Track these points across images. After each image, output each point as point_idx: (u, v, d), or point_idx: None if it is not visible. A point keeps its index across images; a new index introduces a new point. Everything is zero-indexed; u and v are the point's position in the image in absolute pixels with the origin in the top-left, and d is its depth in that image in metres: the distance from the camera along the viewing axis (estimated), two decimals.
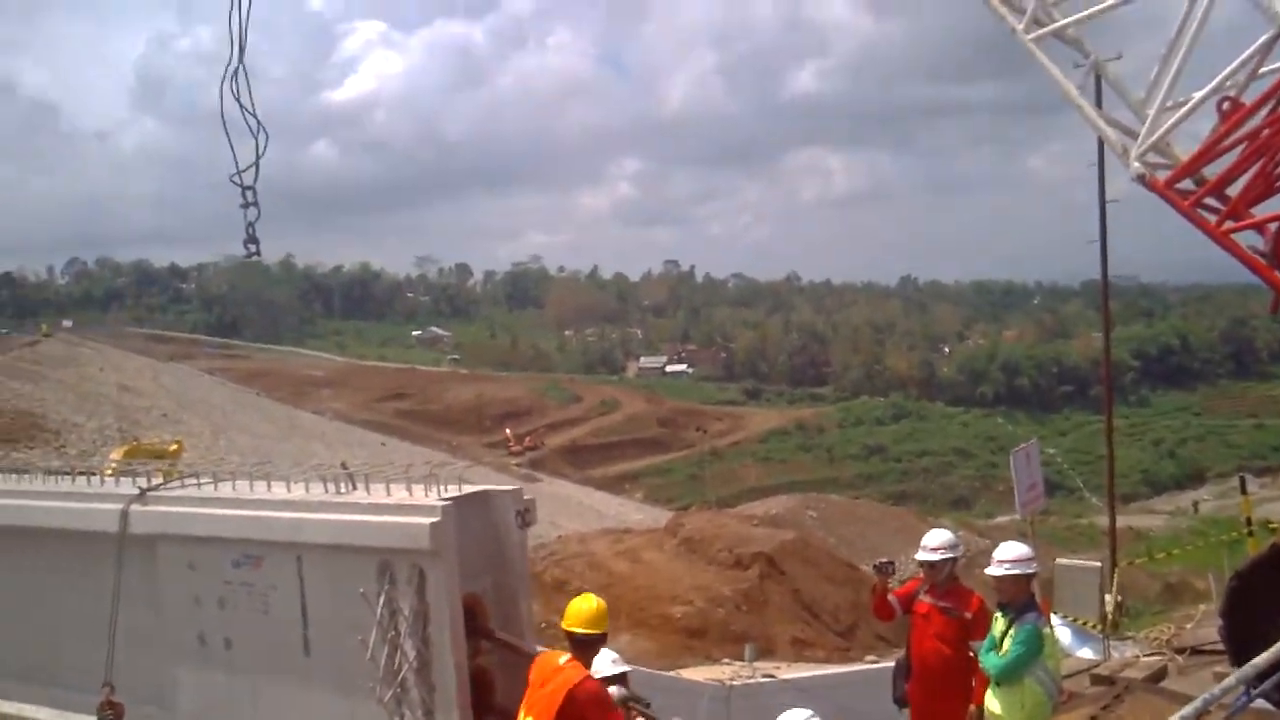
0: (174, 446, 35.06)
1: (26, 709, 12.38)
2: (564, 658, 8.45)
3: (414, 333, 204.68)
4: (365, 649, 9.17)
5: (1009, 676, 9.49)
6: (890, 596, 10.89)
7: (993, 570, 9.80)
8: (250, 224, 12.16)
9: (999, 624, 9.74)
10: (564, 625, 8.57)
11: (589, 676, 8.32)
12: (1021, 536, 16.51)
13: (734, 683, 24.70)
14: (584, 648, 8.46)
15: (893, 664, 11.75)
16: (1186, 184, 9.41)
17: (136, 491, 11.41)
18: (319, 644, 9.89)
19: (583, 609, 8.54)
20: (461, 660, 9.11)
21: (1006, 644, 9.58)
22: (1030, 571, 9.79)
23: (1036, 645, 9.52)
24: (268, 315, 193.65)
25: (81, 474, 13.13)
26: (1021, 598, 9.71)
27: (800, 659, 31.46)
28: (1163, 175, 9.36)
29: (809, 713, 7.63)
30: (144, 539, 11.07)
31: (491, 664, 9.39)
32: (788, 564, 38.55)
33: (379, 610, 9.16)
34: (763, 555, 38.30)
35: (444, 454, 75.50)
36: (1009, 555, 9.81)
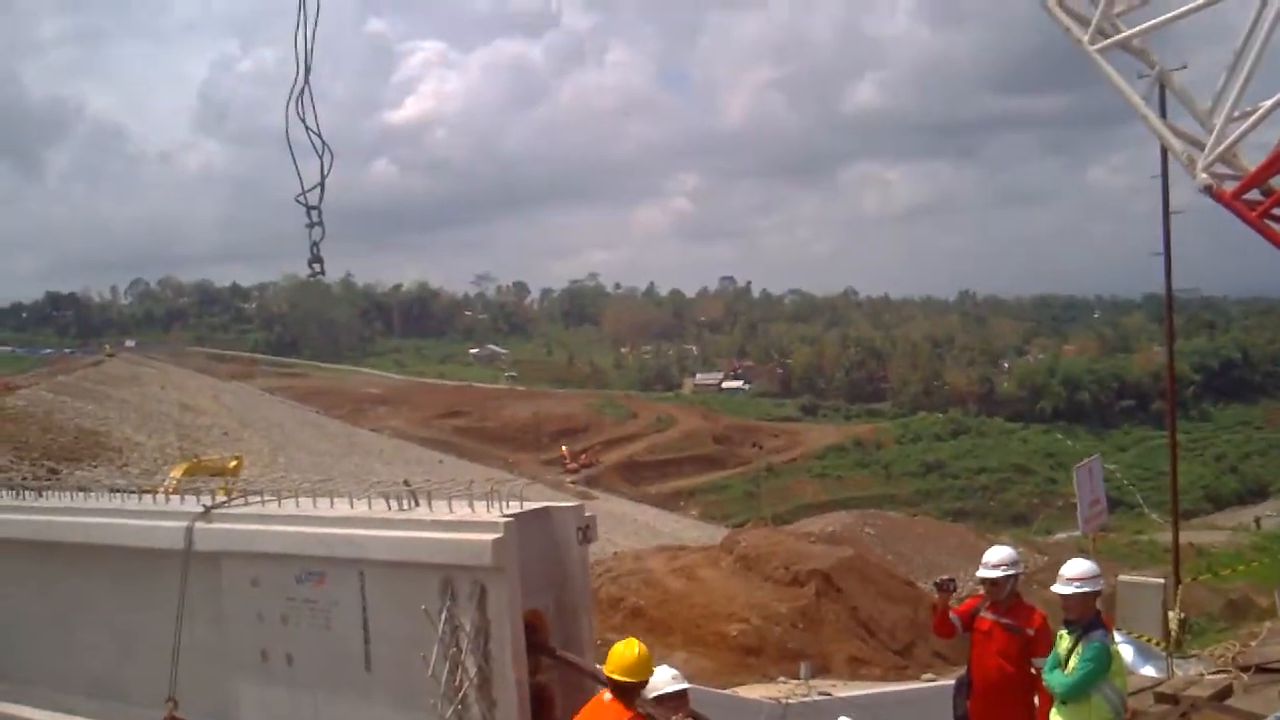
0: (234, 463, 35.20)
1: None
2: (607, 695, 8.48)
3: (471, 350, 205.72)
4: (427, 665, 9.21)
5: (1076, 694, 9.40)
6: (951, 614, 10.82)
7: (1060, 588, 9.71)
8: (315, 244, 12.27)
9: (1064, 641, 9.66)
10: (606, 670, 8.59)
11: (635, 716, 8.34)
12: (1083, 553, 16.34)
13: (790, 701, 24.62)
14: (624, 693, 8.48)
15: (952, 682, 11.67)
16: (1254, 194, 9.31)
17: (201, 509, 11.54)
18: (380, 660, 9.94)
19: (626, 655, 8.54)
20: (522, 677, 9.14)
21: (1073, 661, 9.49)
22: (1097, 589, 9.71)
23: (1105, 662, 9.44)
24: (328, 334, 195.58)
25: (145, 492, 13.31)
26: (1088, 615, 9.62)
27: (857, 677, 31.33)
28: (1229, 186, 9.27)
29: None
30: (208, 556, 11.18)
31: (552, 681, 9.41)
32: (845, 581, 38.38)
33: (440, 626, 9.19)
34: (819, 573, 38.17)
35: (501, 471, 75.74)
36: (1076, 573, 9.73)
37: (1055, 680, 9.53)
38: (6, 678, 13.58)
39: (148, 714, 11.59)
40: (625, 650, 8.57)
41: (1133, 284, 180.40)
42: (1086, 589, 9.62)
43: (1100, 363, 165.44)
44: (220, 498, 11.78)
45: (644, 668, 8.50)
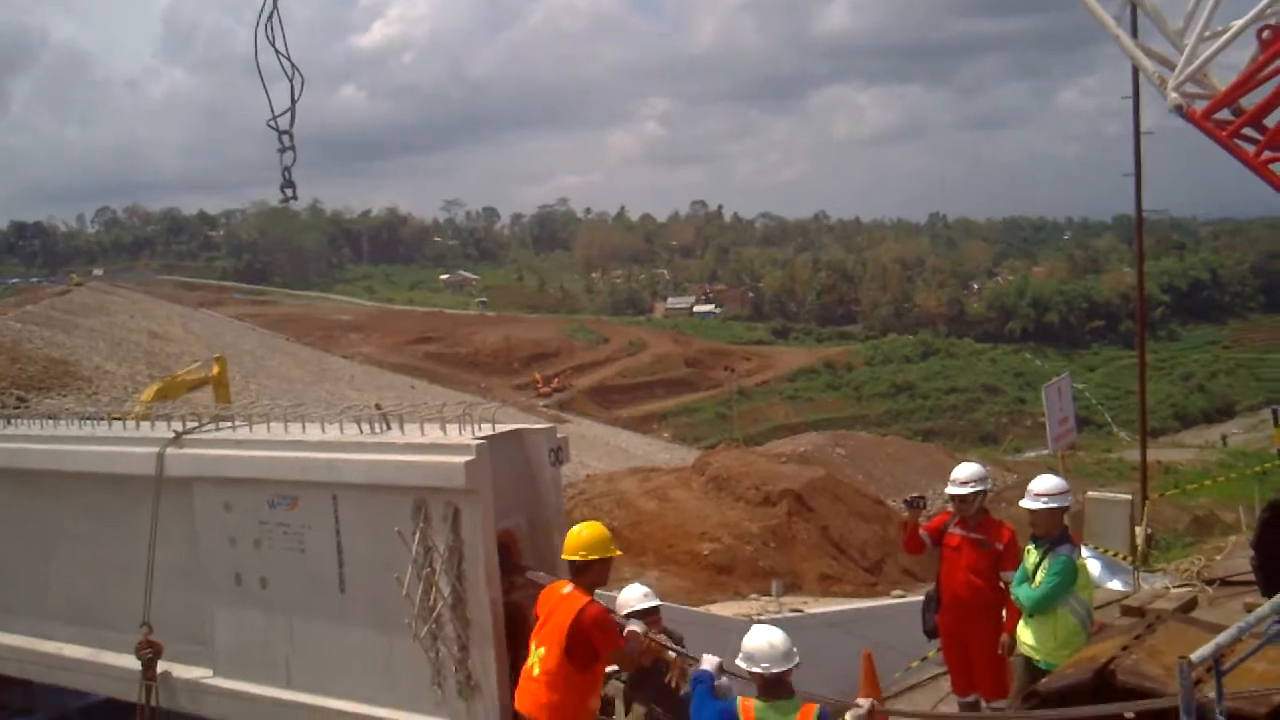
0: (216, 369, 33.88)
1: (67, 648, 12.59)
2: (567, 587, 8.62)
3: (442, 276, 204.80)
4: (401, 586, 9.29)
5: (1044, 607, 9.56)
6: (921, 531, 10.96)
7: (1028, 503, 9.85)
8: (286, 168, 12.19)
9: (1031, 556, 9.80)
10: (564, 554, 8.75)
11: (592, 601, 8.48)
12: (1051, 471, 16.51)
13: (761, 618, 24.85)
14: (584, 574, 8.62)
15: (921, 598, 11.84)
16: (1224, 114, 9.30)
17: (171, 435, 11.52)
18: (355, 582, 10.01)
19: (577, 534, 8.74)
20: (496, 596, 9.22)
21: (1040, 575, 9.64)
22: (1064, 505, 9.86)
23: (1071, 576, 9.60)
24: (296, 261, 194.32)
25: (116, 419, 13.29)
26: (1055, 530, 9.78)
27: (828, 594, 31.66)
28: (1200, 106, 9.26)
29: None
30: (180, 481, 11.19)
31: (526, 599, 9.47)
32: (815, 501, 38.66)
33: (414, 548, 9.25)
34: (790, 492, 38.41)
35: (474, 396, 75.74)
36: (1044, 488, 9.86)
37: (1023, 594, 9.68)
38: None
39: (124, 638, 11.67)
40: (578, 529, 8.78)
41: (1103, 206, 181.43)
42: (1054, 504, 9.77)
43: (1070, 284, 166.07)
44: (192, 423, 11.75)
45: (596, 544, 8.65)
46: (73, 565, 12.63)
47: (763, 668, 7.35)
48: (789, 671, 7.43)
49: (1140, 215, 23.88)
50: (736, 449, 55.12)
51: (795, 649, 7.50)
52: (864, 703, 8.07)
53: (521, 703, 8.58)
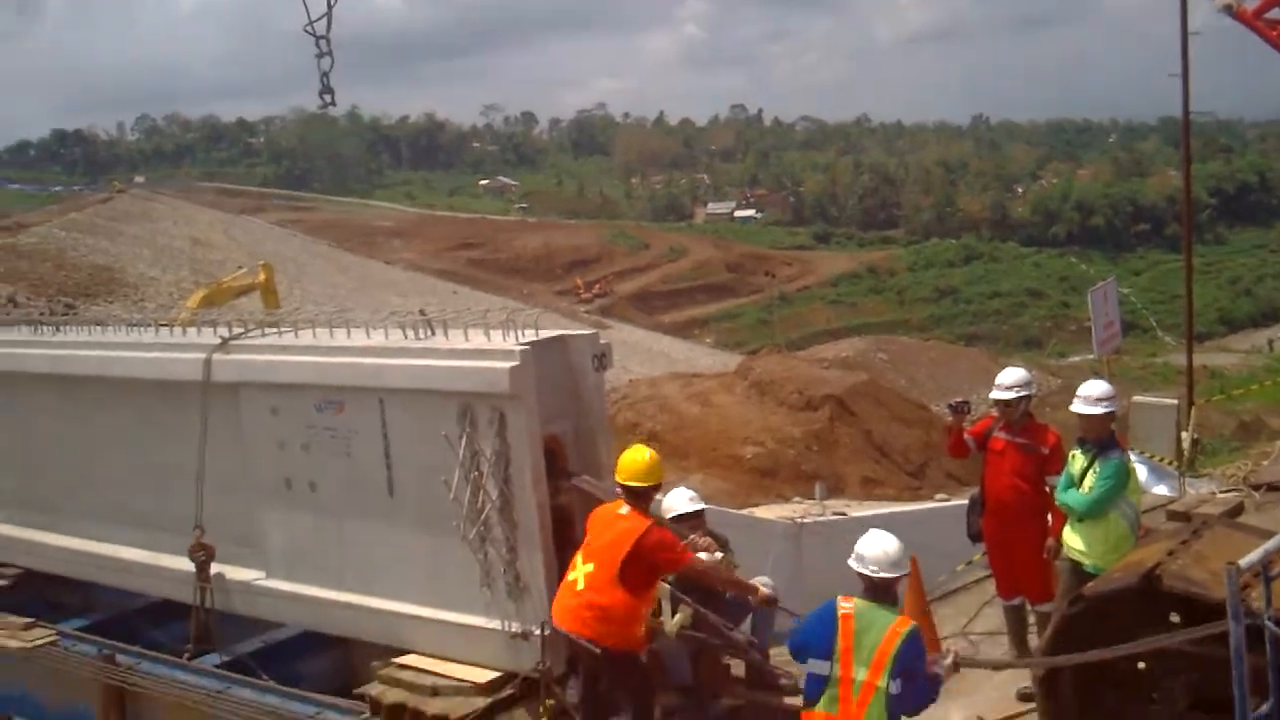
0: (262, 275, 33.73)
1: (123, 551, 12.82)
2: (623, 508, 8.60)
3: (481, 182, 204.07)
4: (449, 490, 9.37)
5: (1096, 511, 9.52)
6: (965, 435, 10.94)
7: (1080, 407, 9.79)
8: (324, 74, 12.12)
9: (1078, 461, 9.76)
10: (618, 478, 8.74)
11: (654, 524, 8.48)
12: (1097, 375, 16.40)
13: (805, 520, 24.97)
14: (638, 499, 8.62)
15: (964, 502, 11.83)
16: (1275, 13, 9.10)
17: (218, 341, 11.61)
18: (403, 485, 10.10)
19: (636, 461, 8.71)
20: (544, 500, 9.29)
21: (1089, 480, 9.61)
22: (1113, 409, 9.79)
23: (1124, 479, 9.58)
24: (336, 168, 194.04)
25: (163, 325, 13.39)
26: (1104, 435, 9.72)
27: (870, 498, 31.74)
28: (1251, 5, 9.05)
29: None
30: (227, 387, 11.30)
31: (572, 502, 9.55)
32: (858, 405, 38.65)
33: (461, 452, 9.32)
34: (833, 397, 38.42)
35: (516, 301, 75.91)
36: (1094, 393, 9.79)
37: (1073, 499, 9.63)
38: (38, 508, 13.87)
39: (176, 541, 11.86)
40: (636, 455, 8.75)
41: (1149, 108, 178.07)
42: (1104, 409, 9.70)
43: (1115, 187, 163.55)
44: (238, 329, 11.83)
45: (654, 472, 8.66)
46: (124, 470, 12.81)
47: (871, 570, 7.44)
48: (896, 580, 7.51)
49: (1187, 117, 23.40)
50: (778, 354, 55.15)
51: (906, 560, 7.60)
52: (949, 651, 8.17)
53: (562, 618, 8.59)
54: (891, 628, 7.27)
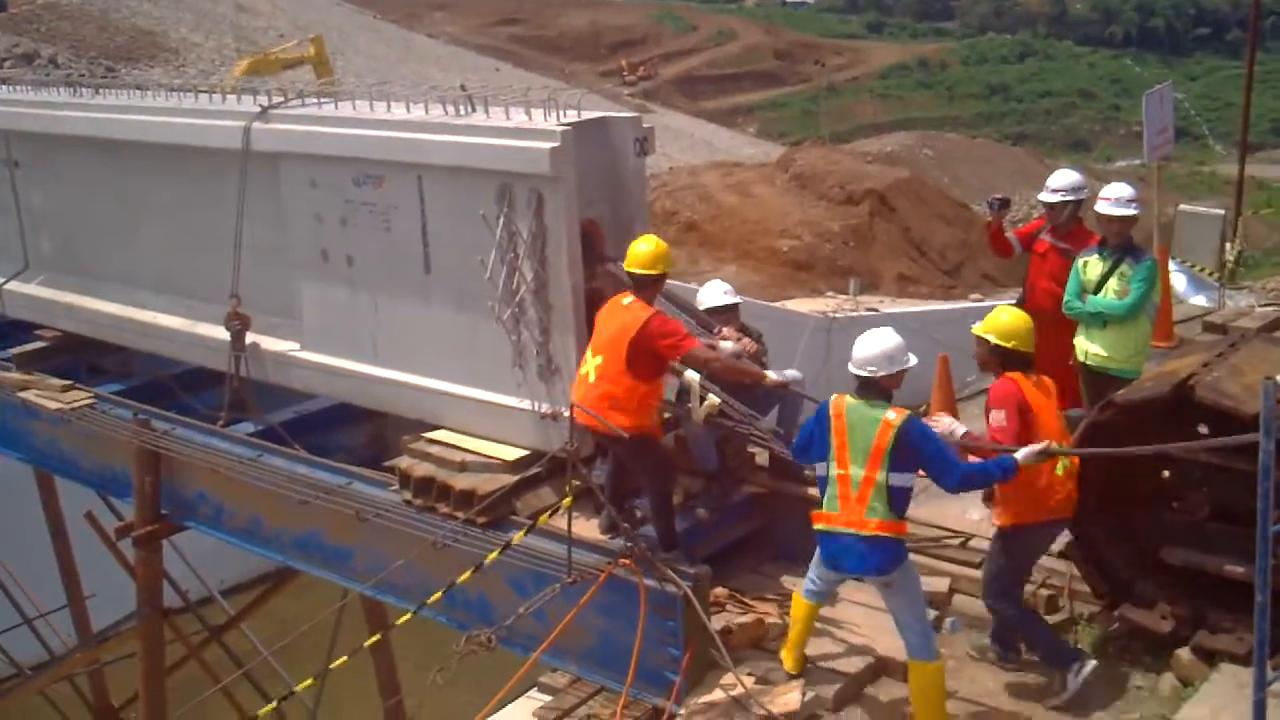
0: (312, 49, 32.97)
1: (161, 317, 12.96)
2: (628, 299, 8.63)
3: None
4: (484, 269, 9.38)
5: (1135, 314, 9.49)
6: (1010, 234, 10.84)
7: (1107, 208, 9.69)
8: None
9: (1093, 266, 9.68)
10: (625, 266, 8.77)
11: (656, 313, 8.51)
12: (1141, 181, 16.14)
13: (837, 315, 25.09)
14: (643, 288, 8.65)
15: (998, 303, 11.79)
16: None
17: (258, 109, 11.48)
18: (439, 263, 10.11)
19: (641, 250, 8.72)
20: (578, 283, 9.28)
21: (1114, 284, 9.54)
22: (1138, 212, 9.70)
23: (1155, 280, 9.57)
24: None
25: (203, 91, 13.25)
26: (1125, 238, 9.66)
27: (905, 295, 31.76)
28: None
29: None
30: (266, 156, 11.21)
31: (606, 286, 9.54)
32: (899, 201, 38.30)
33: (498, 232, 9.29)
34: (874, 192, 38.06)
35: (558, 81, 74.80)
36: (1121, 194, 9.69)
37: (1107, 304, 9.55)
38: (77, 271, 14.00)
39: (212, 309, 11.99)
40: (642, 244, 8.76)
41: None
42: (1131, 211, 9.62)
43: None
44: (278, 98, 11.69)
45: (660, 260, 8.69)
46: (161, 237, 12.88)
47: (866, 370, 7.47)
48: (885, 377, 7.52)
49: None
50: (822, 146, 54.41)
51: (905, 356, 7.59)
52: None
53: (578, 410, 8.72)
54: (884, 421, 7.35)
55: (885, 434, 7.31)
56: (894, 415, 7.37)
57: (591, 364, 8.66)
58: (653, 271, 8.67)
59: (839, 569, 7.63)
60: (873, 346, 7.52)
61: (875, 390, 7.51)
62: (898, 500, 7.38)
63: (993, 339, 8.12)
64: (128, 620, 14.16)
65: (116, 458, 12.43)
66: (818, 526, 7.60)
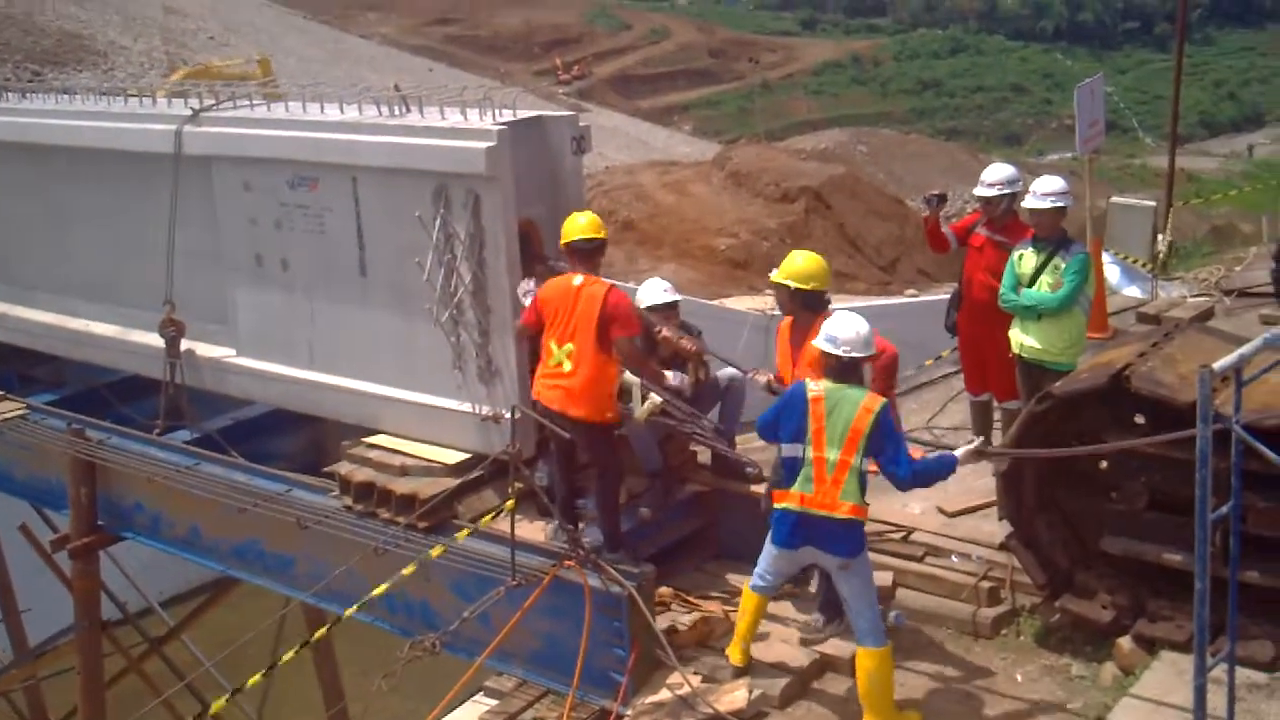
0: (259, 70, 32.12)
1: (94, 325, 12.78)
2: (578, 278, 8.58)
3: None
4: (422, 271, 9.32)
5: (1068, 306, 9.55)
6: (946, 228, 10.91)
7: (1034, 202, 9.78)
8: None
9: (1027, 260, 9.74)
10: (563, 242, 8.75)
11: (614, 287, 8.50)
12: (1072, 175, 16.30)
13: (774, 313, 25.11)
14: (587, 258, 8.65)
15: (934, 298, 11.89)
16: None
17: (189, 113, 11.35)
18: (375, 266, 10.04)
19: (580, 221, 8.74)
20: (517, 284, 9.25)
21: (1048, 277, 9.62)
22: (1067, 205, 9.78)
23: (1088, 272, 9.64)
24: None
25: (133, 95, 13.08)
26: (1056, 231, 9.74)
27: (842, 291, 31.79)
28: None
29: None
30: (199, 160, 11.10)
31: None
32: (834, 198, 38.43)
33: (435, 234, 9.24)
34: (809, 189, 38.15)
35: (493, 81, 74.54)
36: (1051, 188, 9.75)
37: (1041, 297, 9.60)
38: (9, 279, 13.77)
39: (145, 316, 11.83)
40: (578, 216, 8.81)
41: None
42: (1061, 204, 9.70)
43: None
44: (210, 101, 11.55)
45: (601, 226, 8.77)
46: (93, 243, 12.69)
47: (843, 350, 7.51)
48: (863, 361, 7.65)
49: None
50: (757, 144, 54.50)
51: (874, 341, 7.74)
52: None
53: (550, 399, 8.63)
54: (862, 405, 7.41)
55: (864, 419, 7.38)
56: (872, 401, 7.42)
57: (561, 354, 8.55)
58: (598, 236, 8.69)
59: (810, 544, 7.59)
60: (851, 329, 7.58)
61: (852, 374, 7.57)
62: (864, 485, 7.45)
63: (792, 284, 8.44)
64: (65, 634, 13.98)
65: (51, 469, 12.27)
66: (781, 505, 7.59)
